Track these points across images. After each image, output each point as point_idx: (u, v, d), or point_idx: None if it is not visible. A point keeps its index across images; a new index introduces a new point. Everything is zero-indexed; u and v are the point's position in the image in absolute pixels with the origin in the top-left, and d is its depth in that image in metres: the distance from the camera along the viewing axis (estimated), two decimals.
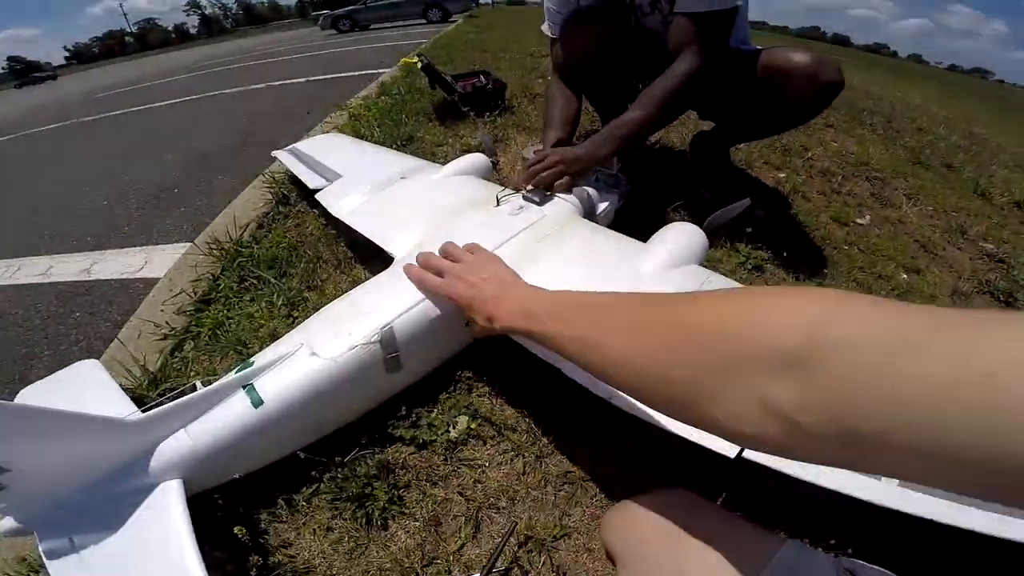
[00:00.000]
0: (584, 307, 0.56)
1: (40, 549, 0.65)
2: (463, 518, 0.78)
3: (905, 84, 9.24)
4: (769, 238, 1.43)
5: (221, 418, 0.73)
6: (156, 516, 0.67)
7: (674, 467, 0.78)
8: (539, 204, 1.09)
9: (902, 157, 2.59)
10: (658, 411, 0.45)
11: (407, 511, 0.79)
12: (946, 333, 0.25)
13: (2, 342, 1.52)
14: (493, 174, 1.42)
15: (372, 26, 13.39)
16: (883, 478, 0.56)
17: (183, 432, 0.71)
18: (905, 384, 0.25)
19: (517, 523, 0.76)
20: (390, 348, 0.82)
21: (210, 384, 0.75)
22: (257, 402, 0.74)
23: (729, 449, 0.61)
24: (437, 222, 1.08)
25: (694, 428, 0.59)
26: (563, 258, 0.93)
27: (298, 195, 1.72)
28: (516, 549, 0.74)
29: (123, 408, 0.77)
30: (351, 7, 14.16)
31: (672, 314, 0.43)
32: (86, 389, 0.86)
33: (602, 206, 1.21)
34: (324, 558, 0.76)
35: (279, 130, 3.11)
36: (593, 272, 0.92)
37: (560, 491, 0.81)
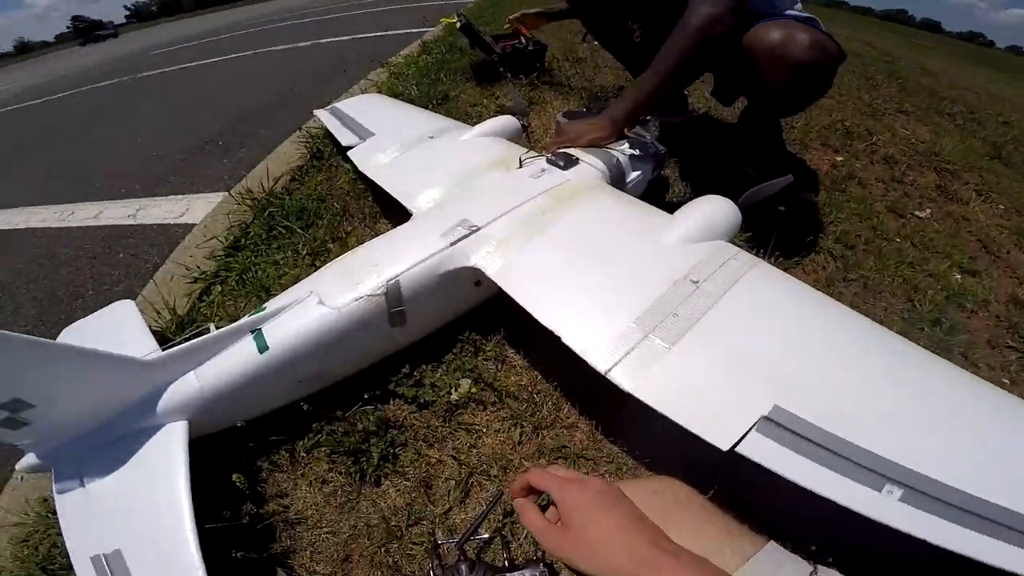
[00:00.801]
0: None
1: (53, 485, 0.71)
2: (454, 482, 0.80)
3: (1003, 76, 8.49)
4: (813, 224, 1.37)
5: (228, 362, 0.77)
6: (158, 456, 0.71)
7: (672, 452, 0.76)
8: (563, 168, 1.07)
9: (979, 150, 2.39)
10: None
11: (400, 470, 0.82)
12: None
13: (52, 282, 1.65)
14: (523, 137, 1.41)
15: None
16: (883, 490, 0.54)
17: (192, 374, 0.75)
18: None
19: (503, 492, 0.77)
20: (395, 302, 0.84)
21: (223, 328, 0.79)
22: (263, 347, 0.77)
23: (722, 442, 0.59)
24: (457, 181, 1.09)
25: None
26: (577, 224, 0.92)
27: (331, 151, 1.76)
28: (501, 518, 0.75)
29: (149, 348, 0.82)
30: None
31: None
32: (121, 329, 0.93)
33: (632, 174, 1.17)
34: (316, 510, 0.79)
35: (321, 87, 3.16)
36: (607, 238, 0.90)
37: (554, 464, 0.81)
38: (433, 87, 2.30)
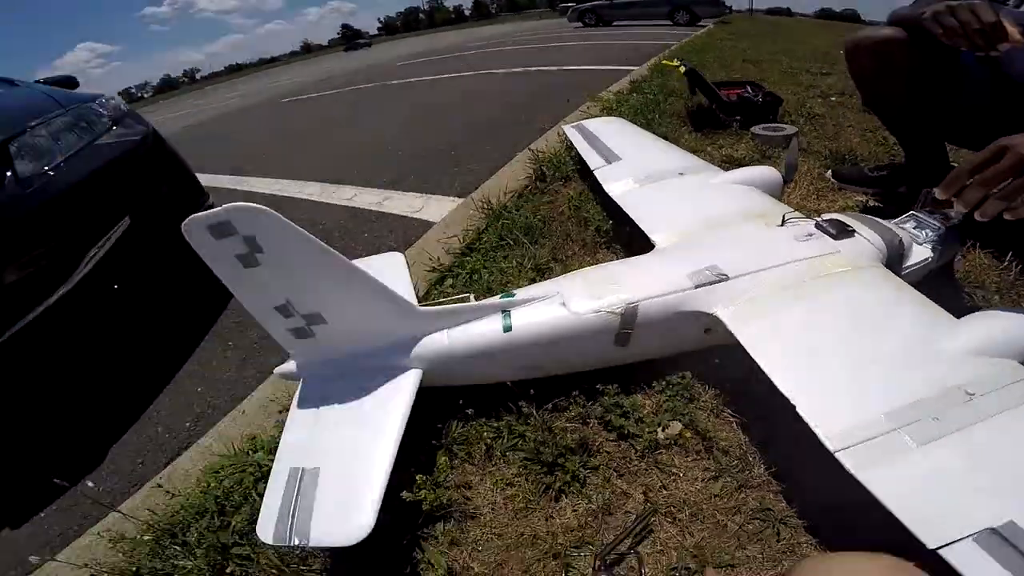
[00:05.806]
0: None
1: (296, 395, 0.89)
2: (635, 515, 0.79)
3: None
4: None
5: (476, 330, 0.91)
6: (391, 396, 0.85)
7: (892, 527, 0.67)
8: (834, 238, 0.98)
9: None
10: None
11: (585, 492, 0.84)
12: None
13: None
14: (781, 195, 1.32)
15: (615, 23, 13.47)
16: None
17: (445, 332, 0.91)
18: None
19: (657, 508, 0.78)
20: (627, 324, 0.90)
21: (480, 301, 0.95)
22: (507, 327, 0.90)
23: (930, 539, 0.54)
24: (708, 224, 1.10)
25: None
26: (840, 304, 0.85)
27: (554, 175, 1.92)
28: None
29: (410, 297, 0.99)
30: (596, 2, 14.41)
31: None
32: (390, 275, 1.12)
33: (913, 258, 1.03)
34: (492, 509, 0.85)
35: (541, 113, 3.41)
36: (875, 325, 0.81)
37: (750, 524, 0.76)
38: (650, 128, 2.31)
